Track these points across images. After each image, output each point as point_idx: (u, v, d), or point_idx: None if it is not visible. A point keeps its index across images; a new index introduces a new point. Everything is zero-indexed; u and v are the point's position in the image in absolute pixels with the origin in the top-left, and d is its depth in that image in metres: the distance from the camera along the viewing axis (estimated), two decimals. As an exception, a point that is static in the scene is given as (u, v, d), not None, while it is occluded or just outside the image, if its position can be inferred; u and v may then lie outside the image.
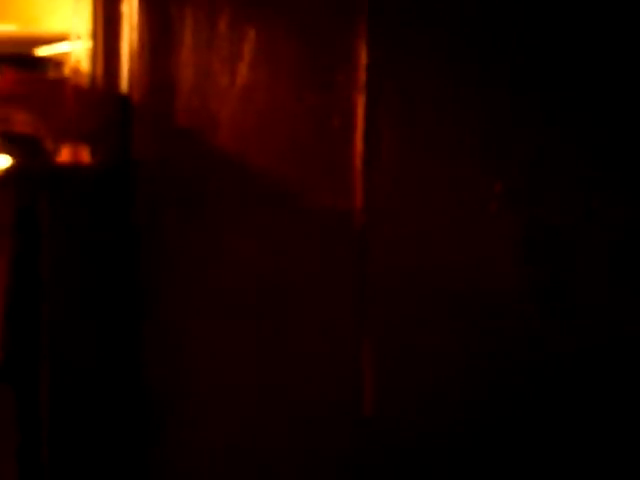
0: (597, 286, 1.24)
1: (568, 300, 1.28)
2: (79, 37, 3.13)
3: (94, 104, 2.78)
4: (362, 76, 1.62)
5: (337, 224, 1.72)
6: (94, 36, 2.92)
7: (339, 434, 1.77)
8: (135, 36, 2.51)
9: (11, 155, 2.76)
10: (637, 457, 1.18)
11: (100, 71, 2.88)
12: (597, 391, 1.25)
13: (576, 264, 1.28)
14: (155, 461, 2.42)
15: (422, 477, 1.57)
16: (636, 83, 1.19)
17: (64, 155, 2.85)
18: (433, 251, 1.53)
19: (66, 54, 3.49)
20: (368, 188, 1.63)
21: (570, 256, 1.29)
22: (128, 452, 2.49)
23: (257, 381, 2.01)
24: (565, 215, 1.30)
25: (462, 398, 1.50)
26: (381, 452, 1.66)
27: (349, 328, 1.72)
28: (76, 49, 3.19)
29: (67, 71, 3.42)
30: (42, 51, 3.91)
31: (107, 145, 2.68)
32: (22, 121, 2.67)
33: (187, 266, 2.24)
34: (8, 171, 2.64)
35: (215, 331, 2.16)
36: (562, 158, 1.31)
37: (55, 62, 3.75)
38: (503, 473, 1.40)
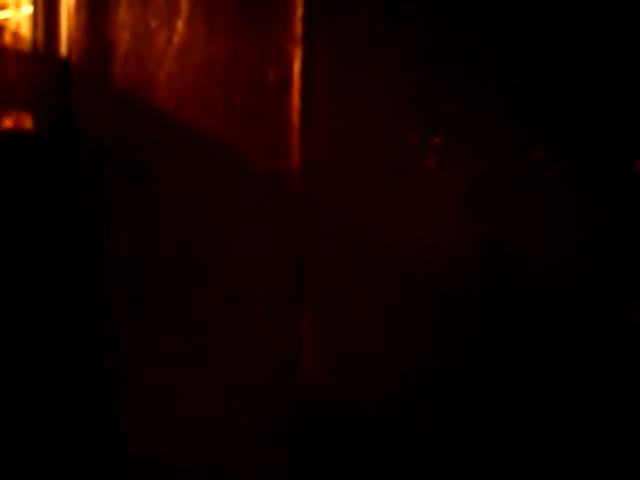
0: (536, 236, 1.21)
1: (509, 251, 1.26)
2: (20, 3, 3.08)
3: (35, 70, 2.73)
4: (298, 28, 1.55)
5: (274, 184, 1.67)
6: (34, 1, 2.88)
7: (279, 402, 1.73)
8: (73, -3, 2.44)
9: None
10: (564, 386, 1.17)
11: (41, 36, 2.83)
12: (535, 334, 1.23)
13: (516, 216, 1.25)
14: (104, 425, 2.37)
15: (361, 444, 1.54)
16: (577, 41, 1.16)
17: (6, 122, 2.80)
18: (372, 210, 1.48)
19: (7, 20, 3.42)
20: (305, 146, 1.58)
21: (510, 208, 1.25)
22: (76, 412, 2.44)
23: (196, 350, 1.95)
24: (506, 168, 1.27)
25: (404, 359, 1.46)
26: (320, 420, 1.62)
27: (288, 293, 1.67)
28: (17, 15, 3.13)
29: (8, 37, 3.35)
30: (-17, 18, 3.83)
31: (49, 110, 2.63)
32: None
33: (129, 223, 2.19)
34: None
35: (158, 299, 2.11)
36: (503, 111, 1.28)
37: (-4, 29, 3.67)
38: (446, 433, 1.37)
